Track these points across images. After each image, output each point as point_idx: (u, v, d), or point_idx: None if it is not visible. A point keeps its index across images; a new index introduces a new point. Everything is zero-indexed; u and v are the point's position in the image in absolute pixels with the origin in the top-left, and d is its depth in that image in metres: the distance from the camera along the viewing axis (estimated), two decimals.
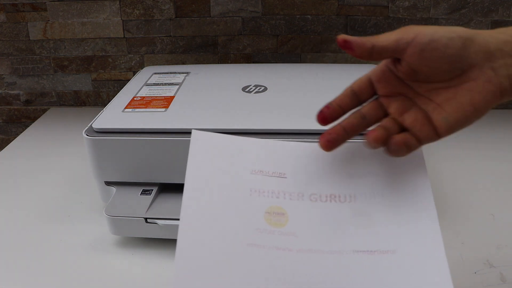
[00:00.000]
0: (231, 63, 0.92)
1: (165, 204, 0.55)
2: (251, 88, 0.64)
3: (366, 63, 0.90)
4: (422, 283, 0.35)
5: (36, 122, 0.92)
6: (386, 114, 0.38)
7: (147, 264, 0.52)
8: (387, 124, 0.37)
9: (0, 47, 0.94)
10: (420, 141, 0.37)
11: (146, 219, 0.52)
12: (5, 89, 0.98)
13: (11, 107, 1.00)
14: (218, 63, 0.92)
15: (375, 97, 0.39)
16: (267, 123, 0.54)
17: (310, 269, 0.36)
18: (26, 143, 0.83)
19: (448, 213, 0.60)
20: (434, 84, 0.36)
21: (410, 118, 0.37)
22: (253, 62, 0.92)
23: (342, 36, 0.36)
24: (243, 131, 0.53)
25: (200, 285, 0.34)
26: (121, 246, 0.55)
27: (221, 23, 0.89)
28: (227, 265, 0.35)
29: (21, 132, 0.88)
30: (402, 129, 0.37)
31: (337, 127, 0.38)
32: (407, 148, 0.37)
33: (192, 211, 0.37)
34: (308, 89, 0.63)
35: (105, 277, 0.50)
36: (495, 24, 0.85)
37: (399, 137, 0.37)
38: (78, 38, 0.92)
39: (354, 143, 0.40)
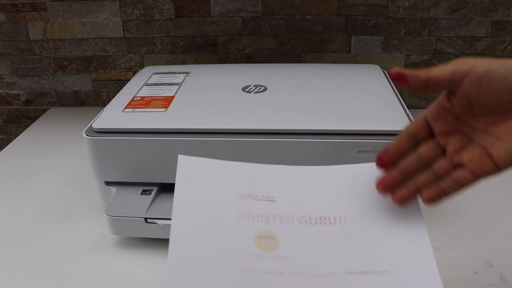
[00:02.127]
0: (231, 63, 0.92)
1: (165, 204, 0.55)
2: (251, 88, 0.64)
3: (366, 63, 0.90)
4: None
5: (36, 122, 0.92)
6: (443, 152, 0.38)
7: (147, 264, 0.52)
8: (440, 169, 0.37)
9: (0, 47, 0.94)
10: (478, 176, 0.36)
11: (146, 219, 0.52)
12: (5, 89, 0.98)
13: (11, 107, 1.00)
14: (218, 63, 0.92)
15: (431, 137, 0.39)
16: (267, 123, 0.54)
17: None
18: (26, 143, 0.83)
19: (448, 213, 0.60)
20: (492, 117, 0.36)
21: (468, 155, 0.36)
22: (253, 62, 0.92)
23: (395, 69, 0.36)
24: (243, 131, 0.53)
25: None
26: (121, 246, 0.55)
27: (221, 23, 0.89)
28: None
29: (21, 132, 0.88)
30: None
31: (395, 171, 0.38)
32: (461, 186, 0.37)
33: (181, 237, 0.37)
34: (308, 89, 0.63)
35: (105, 277, 0.50)
36: (495, 24, 0.85)
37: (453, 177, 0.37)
38: (78, 38, 0.92)
39: (340, 166, 0.41)
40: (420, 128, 0.39)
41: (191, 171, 0.41)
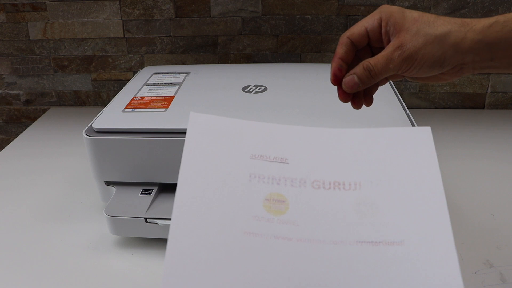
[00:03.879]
0: (231, 63, 0.92)
1: (165, 204, 0.55)
2: (251, 88, 0.64)
3: None
4: (430, 277, 0.33)
5: (36, 122, 0.92)
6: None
7: (147, 264, 0.52)
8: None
9: (0, 47, 0.94)
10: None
11: (146, 219, 0.52)
12: (5, 89, 0.98)
13: (11, 107, 1.00)
14: (218, 63, 0.92)
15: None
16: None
17: (311, 260, 0.34)
18: (26, 143, 0.83)
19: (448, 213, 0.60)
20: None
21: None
22: (253, 62, 0.92)
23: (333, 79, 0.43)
24: None
25: (193, 274, 0.33)
26: (121, 246, 0.55)
27: (221, 23, 0.89)
28: (222, 253, 0.34)
29: (21, 132, 0.88)
30: None
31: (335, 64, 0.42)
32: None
33: (186, 196, 0.36)
34: (308, 89, 0.63)
35: (105, 277, 0.50)
36: None
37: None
38: (78, 38, 0.92)
39: (359, 129, 0.40)
40: (362, 39, 0.42)
41: (201, 129, 0.39)
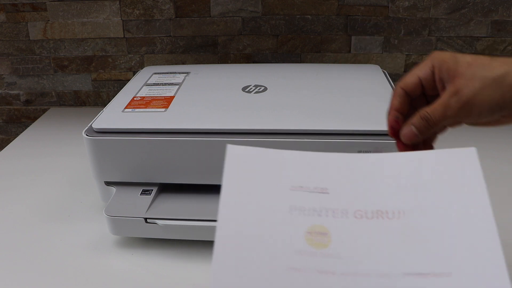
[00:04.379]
0: (231, 63, 0.92)
1: (165, 204, 0.55)
2: (251, 88, 0.64)
3: (366, 63, 0.90)
4: None
5: (36, 122, 0.92)
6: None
7: (147, 264, 0.52)
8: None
9: (0, 47, 0.93)
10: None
11: (146, 219, 0.52)
12: (5, 89, 0.98)
13: (11, 107, 1.00)
14: (218, 63, 0.92)
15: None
16: (267, 123, 0.54)
17: None
18: (26, 143, 0.83)
19: None
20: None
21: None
22: (253, 62, 0.92)
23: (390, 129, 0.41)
24: (243, 131, 0.53)
25: None
26: (121, 246, 0.55)
27: (221, 23, 0.89)
28: None
29: (21, 132, 0.88)
30: None
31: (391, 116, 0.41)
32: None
33: (227, 231, 0.35)
34: (308, 89, 0.63)
35: (105, 277, 0.50)
36: (495, 24, 0.85)
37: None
38: (78, 38, 0.92)
39: (400, 154, 0.39)
40: (416, 88, 0.41)
41: (239, 161, 0.38)
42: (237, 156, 0.38)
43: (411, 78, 0.40)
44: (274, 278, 0.33)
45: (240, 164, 0.38)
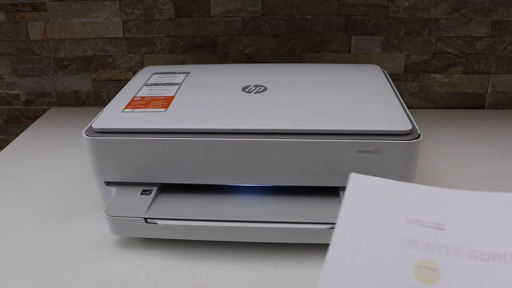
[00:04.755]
0: (231, 63, 0.92)
1: (165, 204, 0.55)
2: (251, 88, 0.64)
3: (366, 63, 0.90)
4: None
5: (36, 122, 0.92)
6: None
7: (147, 264, 0.52)
8: None
9: (0, 47, 0.94)
10: None
11: (146, 219, 0.52)
12: (5, 89, 0.98)
13: (11, 107, 1.00)
14: (218, 63, 0.92)
15: None
16: (267, 123, 0.54)
17: None
18: (26, 143, 0.83)
19: None
20: None
21: None
22: (253, 62, 0.92)
23: None
24: (243, 131, 0.53)
25: None
26: (121, 246, 0.55)
27: (221, 23, 0.89)
28: None
29: (21, 132, 0.88)
30: None
31: None
32: None
33: (338, 257, 0.35)
34: (308, 89, 0.63)
35: (105, 277, 0.50)
36: (495, 24, 0.85)
37: None
38: (78, 38, 0.92)
39: None
40: None
41: (360, 190, 0.40)
42: (359, 184, 0.40)
43: None
44: None
45: (360, 192, 0.39)
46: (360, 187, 0.40)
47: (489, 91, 0.92)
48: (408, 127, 0.52)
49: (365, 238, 0.36)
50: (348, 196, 0.39)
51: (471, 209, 0.37)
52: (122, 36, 0.91)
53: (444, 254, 0.35)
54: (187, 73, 0.72)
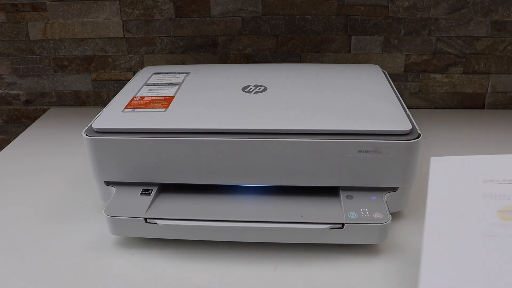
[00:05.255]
0: (231, 63, 0.92)
1: (165, 204, 0.55)
2: (251, 88, 0.64)
3: (366, 63, 0.90)
4: None
5: (36, 122, 0.92)
6: None
7: (147, 264, 0.52)
8: None
9: (0, 47, 0.94)
10: None
11: (146, 219, 0.52)
12: (5, 89, 0.98)
13: (11, 107, 1.00)
14: (218, 63, 0.92)
15: None
16: (267, 123, 0.54)
17: None
18: (26, 143, 0.83)
19: None
20: None
21: None
22: (253, 62, 0.92)
23: None
24: (243, 131, 0.53)
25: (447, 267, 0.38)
26: (121, 246, 0.55)
27: (221, 23, 0.89)
28: (465, 254, 0.39)
29: (21, 132, 0.88)
30: None
31: None
32: None
33: (435, 229, 0.41)
34: (308, 89, 0.63)
35: (105, 277, 0.50)
36: (495, 24, 0.85)
37: None
38: (78, 38, 0.92)
39: None
40: None
41: (442, 170, 0.47)
42: (440, 166, 0.47)
43: None
44: (471, 241, 0.40)
45: (442, 172, 0.47)
46: (442, 167, 0.47)
47: (489, 91, 0.92)
48: (408, 127, 0.52)
49: (453, 200, 0.44)
50: (433, 178, 0.46)
51: None
52: (122, 36, 0.91)
53: None
54: (187, 73, 0.72)
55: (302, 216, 0.52)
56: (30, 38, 0.92)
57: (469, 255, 0.39)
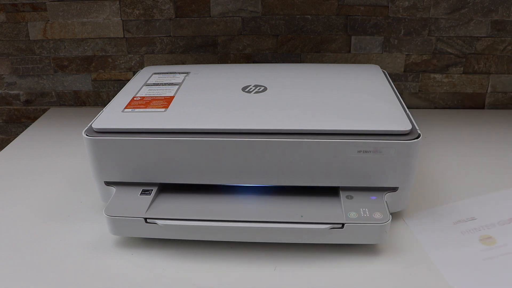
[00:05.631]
0: (231, 63, 0.92)
1: (165, 204, 0.55)
2: (251, 88, 0.64)
3: (366, 63, 0.90)
4: None
5: (36, 122, 0.92)
6: None
7: (147, 264, 0.52)
8: None
9: (0, 47, 0.94)
10: None
11: (146, 219, 0.52)
12: (5, 89, 0.98)
13: (11, 107, 1.00)
14: (218, 63, 0.92)
15: None
16: (267, 123, 0.54)
17: None
18: (26, 143, 0.83)
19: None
20: None
21: None
22: (253, 62, 0.92)
23: None
24: (243, 131, 0.53)
25: None
26: (121, 246, 0.55)
27: (221, 23, 0.89)
28: None
29: (21, 132, 0.88)
30: None
31: None
32: None
33: None
34: (308, 89, 0.63)
35: (105, 277, 0.50)
36: (495, 24, 0.85)
37: None
38: (78, 38, 0.92)
39: None
40: None
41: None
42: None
43: None
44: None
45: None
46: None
47: (489, 91, 0.92)
48: (408, 127, 0.52)
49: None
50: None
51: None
52: (122, 36, 0.91)
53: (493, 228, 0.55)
54: (187, 73, 0.72)
55: (302, 216, 0.52)
56: (30, 38, 0.92)
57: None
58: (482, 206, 0.60)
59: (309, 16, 0.87)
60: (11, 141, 0.84)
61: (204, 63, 0.92)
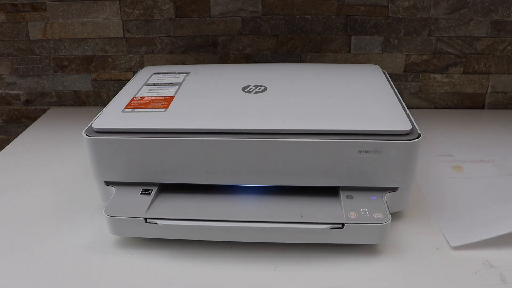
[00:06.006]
0: (231, 63, 0.92)
1: (165, 204, 0.55)
2: (251, 88, 0.64)
3: (366, 63, 0.90)
4: None
5: (36, 122, 0.92)
6: None
7: (147, 264, 0.52)
8: None
9: (0, 47, 0.94)
10: None
11: (146, 219, 0.52)
12: (5, 89, 0.98)
13: (11, 107, 1.00)
14: (218, 63, 0.92)
15: None
16: (267, 123, 0.54)
17: None
18: (26, 143, 0.83)
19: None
20: None
21: None
22: (253, 62, 0.92)
23: None
24: (243, 131, 0.53)
25: None
26: (121, 246, 0.55)
27: (221, 23, 0.89)
28: None
29: (21, 132, 0.88)
30: None
31: None
32: None
33: None
34: (308, 89, 0.63)
35: (104, 277, 0.50)
36: (495, 24, 0.85)
37: None
38: (78, 38, 0.92)
39: None
40: None
41: None
42: None
43: None
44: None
45: None
46: None
47: (489, 91, 0.92)
48: (408, 127, 0.52)
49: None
50: None
51: None
52: (122, 36, 0.91)
53: None
54: (187, 73, 0.72)
55: (302, 216, 0.52)
56: (30, 38, 0.92)
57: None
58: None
59: (309, 16, 0.87)
60: (11, 141, 0.84)
61: (204, 63, 0.92)
